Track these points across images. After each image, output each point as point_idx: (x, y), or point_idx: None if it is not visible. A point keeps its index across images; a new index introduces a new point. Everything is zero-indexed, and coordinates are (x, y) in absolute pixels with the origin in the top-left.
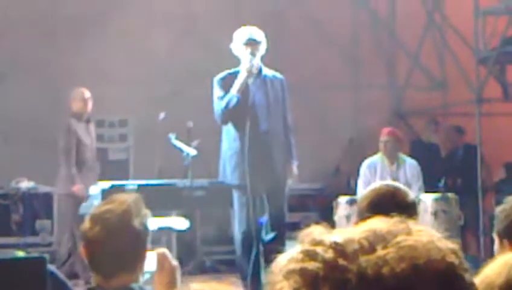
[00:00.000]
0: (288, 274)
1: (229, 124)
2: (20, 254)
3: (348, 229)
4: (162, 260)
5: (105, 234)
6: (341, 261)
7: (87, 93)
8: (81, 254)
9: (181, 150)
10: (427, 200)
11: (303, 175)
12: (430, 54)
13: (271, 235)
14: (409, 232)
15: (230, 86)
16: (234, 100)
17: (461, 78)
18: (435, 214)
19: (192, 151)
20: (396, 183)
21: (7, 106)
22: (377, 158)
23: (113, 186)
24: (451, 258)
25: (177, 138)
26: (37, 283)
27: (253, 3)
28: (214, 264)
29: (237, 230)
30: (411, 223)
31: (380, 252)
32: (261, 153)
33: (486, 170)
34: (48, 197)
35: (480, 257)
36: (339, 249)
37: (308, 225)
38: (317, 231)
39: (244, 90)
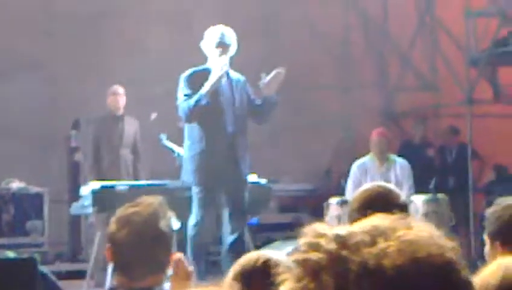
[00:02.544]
0: (292, 265)
1: (194, 123)
2: (11, 254)
3: (350, 225)
4: (177, 264)
5: (132, 237)
6: (343, 252)
7: (113, 89)
8: (106, 255)
9: (172, 151)
10: (418, 202)
11: (294, 176)
12: (421, 55)
13: (232, 237)
14: (409, 228)
15: (198, 83)
16: (203, 101)
17: (452, 79)
18: (426, 215)
19: (184, 152)
20: (388, 185)
21: (0, 105)
22: (367, 159)
23: (103, 187)
24: (450, 255)
25: (168, 139)
26: (27, 283)
27: (246, 3)
28: (207, 265)
29: (189, 231)
30: (412, 220)
31: (382, 245)
32: (226, 155)
33: (479, 171)
34: (38, 198)
35: (471, 257)
36: (341, 241)
37: (300, 226)
38: (320, 226)
39: (213, 91)
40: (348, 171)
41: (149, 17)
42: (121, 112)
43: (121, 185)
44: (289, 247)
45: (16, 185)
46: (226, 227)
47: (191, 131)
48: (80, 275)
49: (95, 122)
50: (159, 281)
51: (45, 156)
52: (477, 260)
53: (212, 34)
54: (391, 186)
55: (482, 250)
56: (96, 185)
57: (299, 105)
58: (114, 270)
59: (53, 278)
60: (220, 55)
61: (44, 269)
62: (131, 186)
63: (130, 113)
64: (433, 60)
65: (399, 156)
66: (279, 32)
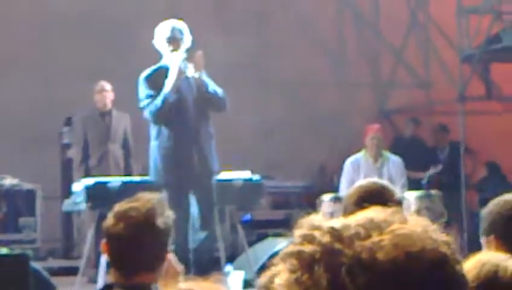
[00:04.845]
0: (286, 257)
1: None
2: (3, 250)
3: (345, 217)
4: (166, 264)
5: (128, 232)
6: (337, 245)
7: (99, 86)
8: (102, 249)
9: None
10: (411, 198)
11: (288, 172)
12: (414, 52)
13: (202, 234)
14: (404, 222)
15: (158, 82)
16: (170, 99)
17: (445, 76)
18: (418, 211)
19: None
20: (382, 181)
21: None
22: (360, 156)
23: (96, 183)
24: (444, 249)
25: None
26: (20, 279)
27: (238, 2)
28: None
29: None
30: (407, 214)
31: (376, 238)
32: (193, 149)
33: (472, 168)
34: (31, 194)
35: (464, 253)
36: (335, 233)
37: (293, 222)
38: (316, 218)
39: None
40: (342, 168)
41: (142, 15)
42: (108, 107)
43: (114, 181)
44: (281, 243)
45: (8, 181)
46: (196, 223)
47: (158, 130)
48: (72, 271)
49: (83, 119)
50: (153, 278)
51: (38, 153)
52: (469, 256)
53: (163, 30)
54: (386, 182)
55: (474, 246)
56: (89, 181)
57: (293, 102)
58: (109, 265)
59: (45, 274)
60: (172, 50)
61: (36, 265)
62: (124, 183)
63: (120, 109)
64: (426, 57)
65: (391, 152)
66: (272, 30)
